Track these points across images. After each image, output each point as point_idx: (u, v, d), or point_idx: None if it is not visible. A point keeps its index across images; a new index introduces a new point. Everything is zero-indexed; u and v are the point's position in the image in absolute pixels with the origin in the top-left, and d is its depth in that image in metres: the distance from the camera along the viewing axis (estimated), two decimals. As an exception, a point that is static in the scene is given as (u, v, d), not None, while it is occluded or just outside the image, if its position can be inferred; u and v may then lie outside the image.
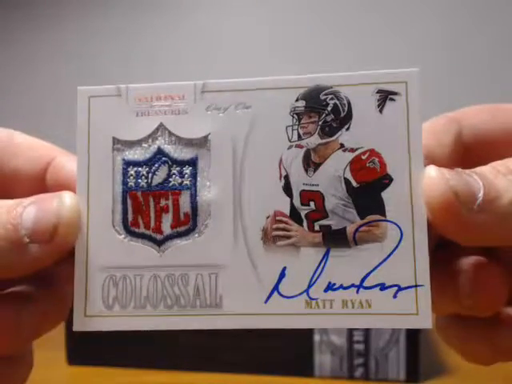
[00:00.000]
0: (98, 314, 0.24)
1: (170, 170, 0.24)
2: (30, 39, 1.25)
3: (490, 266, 0.24)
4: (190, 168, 0.24)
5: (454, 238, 0.22)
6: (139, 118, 0.24)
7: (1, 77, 1.26)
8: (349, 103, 0.23)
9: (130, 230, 0.24)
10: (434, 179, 0.22)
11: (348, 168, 0.23)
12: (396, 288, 0.22)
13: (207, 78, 0.24)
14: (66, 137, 0.31)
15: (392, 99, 0.23)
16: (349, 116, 0.23)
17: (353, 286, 0.23)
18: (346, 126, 0.23)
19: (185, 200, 0.24)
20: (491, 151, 0.25)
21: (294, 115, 0.23)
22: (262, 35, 1.13)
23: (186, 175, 0.24)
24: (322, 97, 0.23)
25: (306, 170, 0.23)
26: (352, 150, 0.23)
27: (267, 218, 0.23)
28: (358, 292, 0.23)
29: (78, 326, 0.23)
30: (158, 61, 1.17)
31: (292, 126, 0.23)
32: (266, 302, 0.23)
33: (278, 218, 0.23)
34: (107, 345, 0.53)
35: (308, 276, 0.23)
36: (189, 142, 0.24)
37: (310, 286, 0.23)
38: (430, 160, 0.23)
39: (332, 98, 0.23)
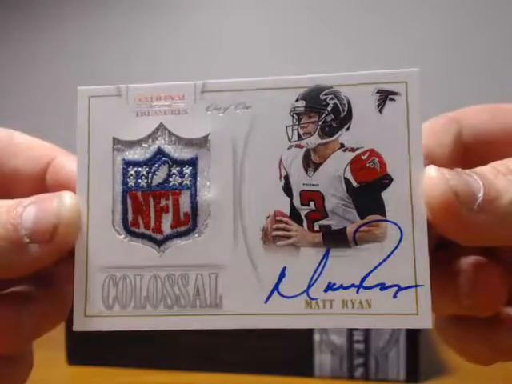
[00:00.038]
0: (98, 314, 0.24)
1: (170, 170, 0.24)
2: (30, 39, 1.25)
3: (490, 266, 0.24)
4: (190, 168, 0.24)
5: (453, 237, 0.22)
6: (139, 117, 0.24)
7: (1, 77, 1.26)
8: (349, 103, 0.23)
9: (129, 229, 0.24)
10: (434, 179, 0.22)
11: (348, 168, 0.23)
12: (396, 288, 0.22)
13: (207, 78, 0.24)
14: (66, 137, 0.31)
15: (392, 99, 0.23)
16: (349, 116, 0.23)
17: (353, 286, 0.23)
18: (346, 126, 0.23)
19: (185, 200, 0.24)
20: (491, 151, 0.25)
21: (294, 115, 0.23)
22: (262, 35, 1.13)
23: (186, 175, 0.24)
24: (322, 97, 0.23)
25: (306, 170, 0.23)
26: (352, 150, 0.23)
27: (267, 217, 0.23)
28: (358, 292, 0.23)
29: (77, 326, 0.23)
30: (158, 61, 1.17)
31: (292, 125, 0.23)
32: (265, 302, 0.23)
33: (277, 217, 0.23)
34: (107, 345, 0.53)
35: (308, 276, 0.23)
36: (189, 142, 0.24)
37: (309, 285, 0.23)
38: (430, 160, 0.23)
39: (332, 98, 0.23)
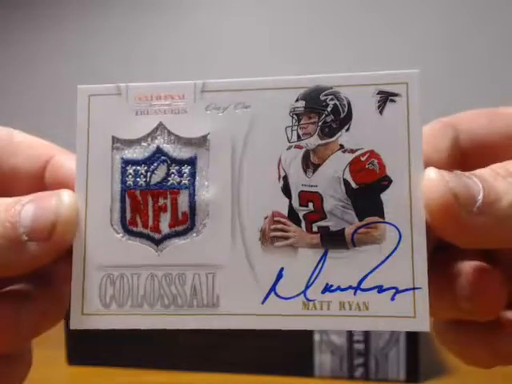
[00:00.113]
0: (95, 312, 0.24)
1: (168, 169, 0.24)
2: (30, 39, 1.25)
3: (490, 269, 0.24)
4: (189, 167, 0.24)
5: (453, 240, 0.22)
6: (139, 116, 0.24)
7: (1, 76, 1.26)
8: (349, 104, 0.23)
9: (128, 228, 0.24)
10: (434, 181, 0.21)
11: (347, 169, 0.23)
12: (394, 290, 0.22)
13: (207, 78, 0.24)
14: (65, 136, 0.31)
15: (392, 100, 0.23)
16: (349, 117, 0.23)
17: (350, 287, 0.22)
18: (346, 127, 0.23)
19: (183, 199, 0.24)
20: (488, 156, 0.25)
21: (294, 116, 0.23)
22: (262, 35, 1.13)
23: (185, 174, 0.24)
24: (322, 97, 0.23)
25: (305, 171, 0.23)
26: (351, 151, 0.23)
27: (265, 218, 0.23)
28: (355, 294, 0.22)
29: (75, 324, 0.23)
30: (158, 60, 1.17)
31: (291, 126, 0.23)
32: (262, 302, 0.23)
33: (276, 218, 0.23)
34: (107, 345, 0.53)
35: (305, 277, 0.23)
36: (188, 142, 0.24)
37: (307, 287, 0.23)
38: (427, 165, 0.23)
39: (332, 99, 0.23)
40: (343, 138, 0.23)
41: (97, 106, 0.24)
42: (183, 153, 0.24)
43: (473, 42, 1.04)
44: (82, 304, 0.24)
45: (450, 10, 1.05)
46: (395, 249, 0.22)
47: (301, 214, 0.23)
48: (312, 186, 0.23)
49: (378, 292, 0.22)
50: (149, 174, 0.24)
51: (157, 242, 0.24)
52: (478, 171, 0.22)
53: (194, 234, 0.24)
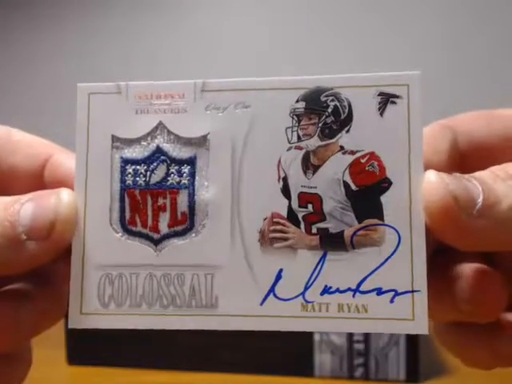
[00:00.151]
0: (94, 311, 0.23)
1: (168, 169, 0.24)
2: (30, 39, 1.25)
3: (490, 271, 0.24)
4: (189, 167, 0.24)
5: (452, 243, 0.22)
6: (138, 115, 0.24)
7: (1, 76, 1.26)
8: (349, 105, 0.23)
9: (127, 228, 0.24)
10: (434, 184, 0.21)
11: (347, 171, 0.23)
12: (393, 293, 0.22)
13: (207, 78, 0.24)
14: (65, 135, 0.31)
15: (393, 102, 0.23)
16: (349, 118, 0.23)
17: (349, 289, 0.22)
18: (346, 129, 0.23)
19: (182, 199, 0.24)
20: (487, 158, 0.25)
21: (294, 116, 0.23)
22: (262, 35, 1.13)
23: (185, 174, 0.24)
24: (323, 98, 0.23)
25: (305, 172, 0.23)
26: (352, 153, 0.23)
27: (264, 219, 0.23)
28: (354, 296, 0.22)
29: (73, 324, 0.23)
30: (158, 60, 1.17)
31: (291, 127, 0.23)
32: (261, 303, 0.23)
33: (275, 219, 0.23)
34: (107, 345, 0.53)
35: (304, 279, 0.23)
36: (188, 141, 0.24)
37: (306, 288, 0.23)
38: (427, 167, 0.23)
39: (332, 100, 0.23)
40: (343, 139, 0.23)
41: (96, 104, 0.24)
42: (183, 152, 0.24)
43: (473, 44, 1.04)
44: (80, 303, 0.23)
45: (450, 11, 1.05)
46: (394, 251, 0.22)
47: (300, 216, 0.23)
48: (312, 187, 0.23)
49: (377, 294, 0.22)
50: (148, 173, 0.24)
51: (156, 242, 0.24)
52: (478, 174, 0.22)
53: (193, 235, 0.24)
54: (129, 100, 0.24)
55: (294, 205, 0.23)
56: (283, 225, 0.23)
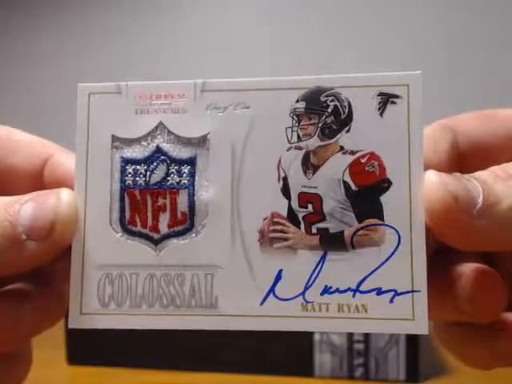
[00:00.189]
0: (94, 311, 0.23)
1: (168, 169, 0.24)
2: (30, 39, 1.25)
3: (490, 271, 0.24)
4: (189, 167, 0.24)
5: (452, 243, 0.22)
6: (138, 115, 0.24)
7: (1, 76, 1.26)
8: (349, 105, 0.23)
9: (127, 228, 0.24)
10: (434, 184, 0.21)
11: (347, 171, 0.23)
12: (393, 293, 0.22)
13: (207, 78, 0.24)
14: (65, 135, 0.31)
15: (393, 102, 0.23)
16: (349, 118, 0.23)
17: (349, 290, 0.22)
18: (346, 129, 0.23)
19: (182, 199, 0.24)
20: (487, 158, 0.25)
21: (294, 116, 0.23)
22: (262, 35, 1.13)
23: (185, 174, 0.24)
24: (323, 98, 0.23)
25: (305, 172, 0.23)
26: (352, 153, 0.23)
27: (264, 219, 0.23)
28: (354, 296, 0.22)
29: (73, 324, 0.23)
30: (158, 60, 1.17)
31: (291, 127, 0.23)
32: (261, 303, 0.23)
33: (275, 219, 0.23)
34: (107, 345, 0.53)
35: (304, 279, 0.23)
36: (188, 141, 0.24)
37: (306, 288, 0.23)
38: (427, 167, 0.23)
39: (333, 100, 0.23)
40: (343, 139, 0.23)
41: (97, 104, 0.24)
42: (183, 152, 0.24)
43: (473, 44, 1.04)
44: (80, 303, 0.23)
45: (451, 12, 1.05)
46: (394, 251, 0.22)
47: (300, 216, 0.23)
48: (312, 187, 0.23)
49: (377, 294, 0.22)
50: (148, 173, 0.24)
51: (156, 242, 0.24)
52: (478, 174, 0.22)
53: (193, 235, 0.23)
54: (129, 100, 0.24)
55: (294, 205, 0.23)
56: (283, 225, 0.23)
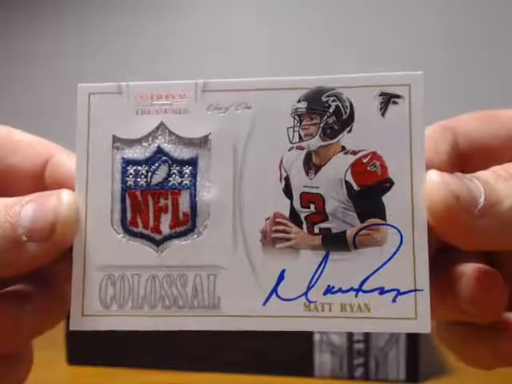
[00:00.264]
0: (96, 313, 0.23)
1: (169, 170, 0.24)
2: (30, 39, 1.25)
3: (492, 271, 0.24)
4: (190, 168, 0.24)
5: (454, 242, 0.22)
6: (139, 116, 0.24)
7: (1, 76, 1.26)
8: (351, 105, 0.23)
9: (128, 229, 0.24)
10: (436, 183, 0.21)
11: (349, 171, 0.23)
12: (395, 292, 0.22)
13: (207, 78, 0.24)
14: (65, 135, 0.31)
15: (395, 102, 0.23)
16: (351, 118, 0.23)
17: (352, 289, 0.22)
18: (348, 129, 0.23)
19: (184, 200, 0.24)
20: (488, 158, 0.25)
21: (296, 116, 0.23)
22: (262, 35, 1.13)
23: (186, 175, 0.24)
24: (324, 98, 0.23)
25: (307, 172, 0.23)
26: (353, 153, 0.23)
27: (266, 219, 0.23)
28: (356, 296, 0.22)
29: (74, 325, 0.23)
30: (159, 60, 1.17)
31: (293, 127, 0.23)
32: (264, 304, 0.23)
33: (277, 219, 0.23)
34: (108, 345, 0.53)
35: (307, 279, 0.23)
36: (189, 142, 0.24)
37: (308, 288, 0.23)
38: (429, 167, 0.23)
39: (334, 100, 0.23)
40: (345, 139, 0.23)
41: (97, 104, 0.24)
42: (184, 153, 0.24)
43: (474, 44, 1.04)
44: (82, 305, 0.23)
45: (451, 12, 1.05)
46: (397, 251, 0.22)
47: (302, 216, 0.23)
48: (314, 187, 0.23)
49: (380, 294, 0.22)
50: (150, 174, 0.24)
51: (157, 243, 0.24)
52: (479, 173, 0.22)
53: (195, 235, 0.23)
54: (129, 100, 0.24)
55: (296, 205, 0.23)
56: (285, 225, 0.23)
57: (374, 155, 0.23)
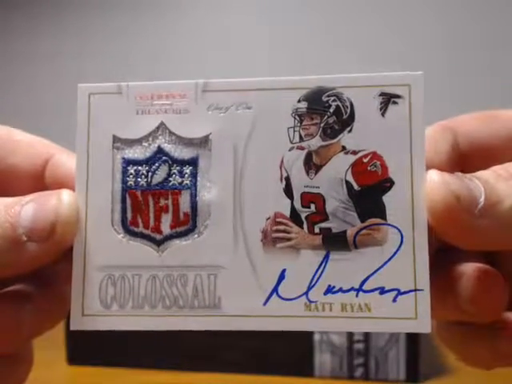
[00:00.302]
0: (96, 313, 0.23)
1: (170, 170, 0.24)
2: (30, 39, 1.25)
3: (492, 271, 0.24)
4: (191, 168, 0.24)
5: (455, 242, 0.22)
6: (140, 116, 0.24)
7: (1, 76, 1.26)
8: (351, 105, 0.23)
9: (128, 229, 0.24)
10: (436, 183, 0.21)
11: (349, 171, 0.23)
12: (396, 292, 0.22)
13: (207, 78, 0.24)
14: (65, 135, 0.31)
15: (395, 102, 0.23)
16: (351, 118, 0.23)
17: (352, 289, 0.22)
18: (348, 129, 0.23)
19: (185, 200, 0.24)
20: (488, 158, 0.25)
21: (296, 116, 0.23)
22: (262, 35, 1.13)
23: (186, 175, 0.24)
24: (325, 98, 0.23)
25: (308, 172, 0.23)
26: (354, 153, 0.23)
27: (267, 219, 0.23)
28: (357, 296, 0.22)
29: (75, 325, 0.23)
30: (159, 60, 1.17)
31: (293, 127, 0.23)
32: (264, 304, 0.23)
33: (278, 219, 0.23)
34: (108, 345, 0.53)
35: (307, 279, 0.23)
36: (189, 142, 0.24)
37: (309, 288, 0.23)
38: (429, 167, 0.23)
39: (334, 100, 0.23)
40: (345, 139, 0.23)
41: (97, 104, 0.24)
42: (185, 153, 0.24)
43: (475, 44, 1.04)
44: (82, 305, 0.23)
45: (451, 12, 1.05)
46: (397, 251, 0.22)
47: (303, 215, 0.23)
48: (314, 187, 0.23)
49: (380, 294, 0.22)
50: (150, 174, 0.24)
51: (158, 243, 0.24)
52: (480, 173, 0.22)
53: (196, 235, 0.23)
54: (130, 100, 0.24)
55: (297, 205, 0.23)
56: (286, 225, 0.23)
57: (375, 155, 0.23)
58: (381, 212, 0.23)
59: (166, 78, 0.25)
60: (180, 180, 0.24)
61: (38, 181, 0.26)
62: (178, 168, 0.24)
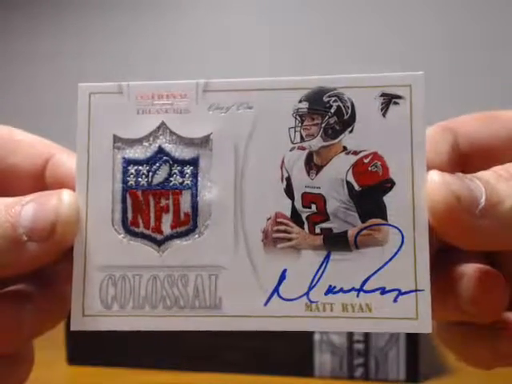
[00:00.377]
0: (96, 313, 0.23)
1: (170, 170, 0.24)
2: (30, 39, 1.25)
3: (493, 271, 0.24)
4: (191, 168, 0.24)
5: (455, 242, 0.22)
6: (140, 116, 0.24)
7: (1, 76, 1.26)
8: (352, 106, 0.23)
9: (129, 229, 0.24)
10: (437, 184, 0.21)
11: (350, 171, 0.23)
12: (396, 292, 0.22)
13: (208, 78, 0.24)
14: (66, 135, 0.31)
15: (396, 103, 0.23)
16: (352, 119, 0.23)
17: (353, 289, 0.22)
18: (349, 129, 0.23)
19: (185, 200, 0.24)
20: (488, 158, 0.25)
21: (297, 117, 0.23)
22: (262, 35, 1.13)
23: (187, 175, 0.24)
24: (326, 99, 0.23)
25: (308, 173, 0.23)
26: (355, 153, 0.23)
27: (268, 219, 0.23)
28: (358, 296, 0.22)
29: (75, 326, 0.23)
30: (159, 60, 1.17)
31: (294, 127, 0.23)
32: (265, 304, 0.23)
33: (278, 219, 0.23)
34: (108, 345, 0.53)
35: (308, 279, 0.23)
36: (190, 142, 0.24)
37: (310, 288, 0.23)
38: (430, 168, 0.23)
39: (335, 100, 0.23)
40: (346, 139, 0.23)
41: (98, 104, 0.24)
42: (185, 153, 0.24)
43: (475, 44, 1.04)
44: (82, 305, 0.23)
45: (452, 12, 1.05)
46: (398, 251, 0.22)
47: (304, 216, 0.23)
48: (315, 187, 0.23)
49: (381, 294, 0.22)
50: (151, 174, 0.24)
51: (158, 243, 0.24)
52: (480, 173, 0.22)
53: (196, 235, 0.23)
54: (130, 100, 0.24)
55: (298, 205, 0.23)
56: (287, 225, 0.23)
57: (375, 155, 0.23)
58: (381, 212, 0.23)
59: (167, 78, 0.25)
60: (181, 180, 0.24)
61: (39, 181, 0.26)
62: (178, 168, 0.24)
